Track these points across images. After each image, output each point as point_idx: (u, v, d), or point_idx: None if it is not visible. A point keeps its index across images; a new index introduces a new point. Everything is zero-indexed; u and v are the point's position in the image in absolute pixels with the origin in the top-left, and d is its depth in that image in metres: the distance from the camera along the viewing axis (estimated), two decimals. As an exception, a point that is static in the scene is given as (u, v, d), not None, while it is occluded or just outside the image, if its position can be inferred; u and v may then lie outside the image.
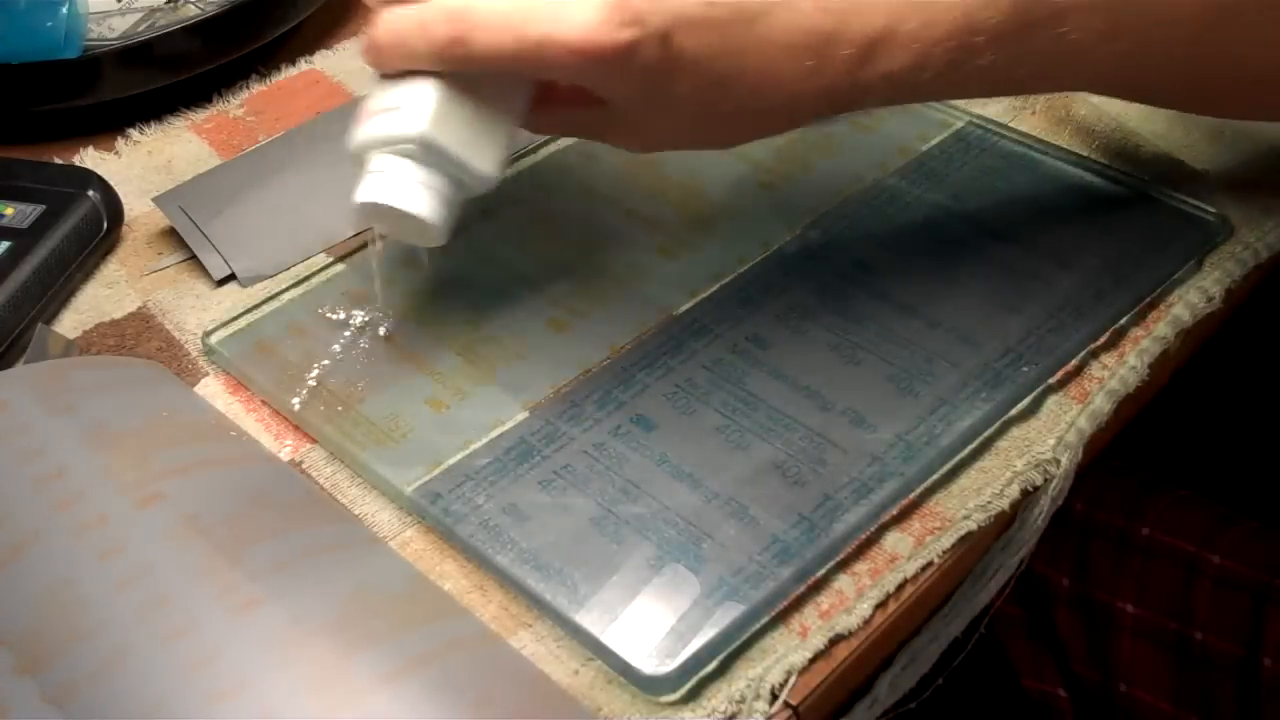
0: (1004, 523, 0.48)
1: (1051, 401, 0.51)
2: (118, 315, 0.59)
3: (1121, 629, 0.69)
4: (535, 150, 0.65)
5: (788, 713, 0.42)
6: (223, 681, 0.37)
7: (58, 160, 0.68)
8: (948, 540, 0.46)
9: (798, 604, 0.44)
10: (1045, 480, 0.49)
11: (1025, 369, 0.51)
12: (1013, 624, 0.73)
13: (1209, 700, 0.66)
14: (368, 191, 0.48)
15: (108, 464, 0.44)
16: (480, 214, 0.62)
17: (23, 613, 0.39)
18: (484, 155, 0.49)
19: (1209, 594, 0.67)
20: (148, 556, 0.41)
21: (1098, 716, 0.70)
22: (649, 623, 0.43)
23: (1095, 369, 0.52)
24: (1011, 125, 0.64)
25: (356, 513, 0.49)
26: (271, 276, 0.60)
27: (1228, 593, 0.66)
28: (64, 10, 0.66)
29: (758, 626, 0.43)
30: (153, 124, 0.71)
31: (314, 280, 0.59)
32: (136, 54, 0.69)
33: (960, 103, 0.66)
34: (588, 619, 0.43)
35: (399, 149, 0.48)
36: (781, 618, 0.44)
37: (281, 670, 0.38)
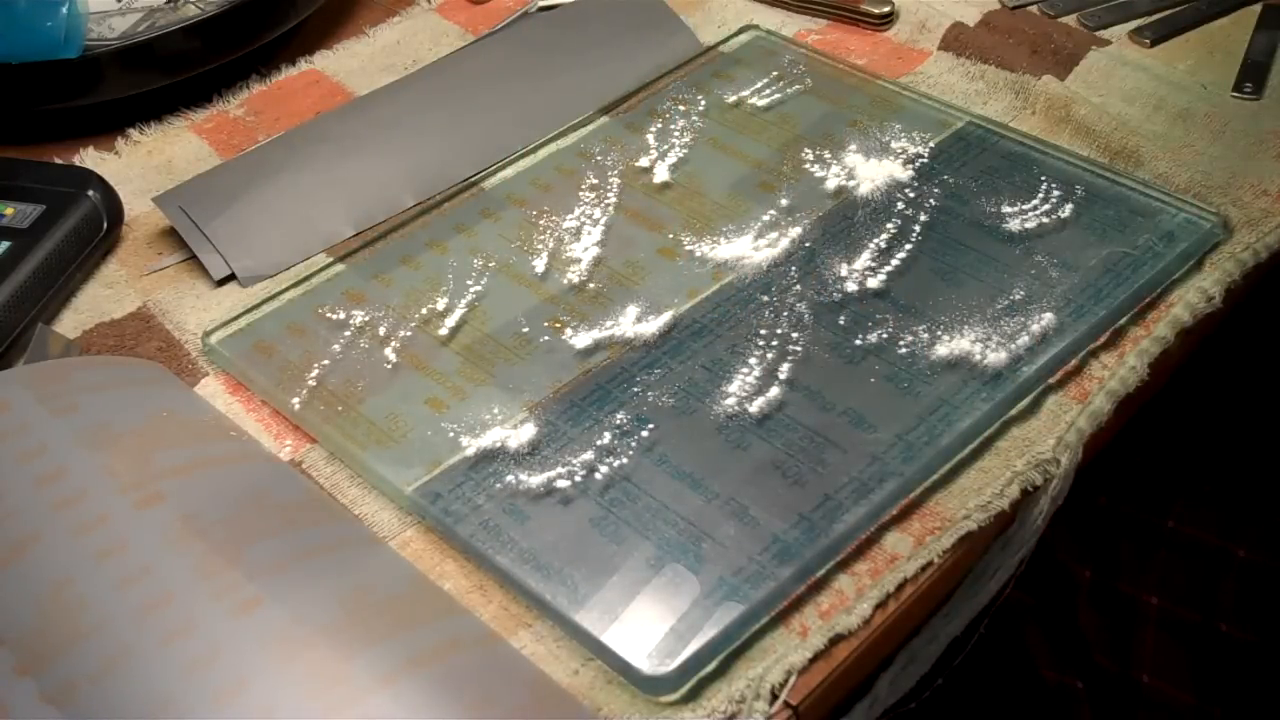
0: (1004, 523, 0.48)
1: (1051, 401, 0.51)
2: (118, 315, 0.59)
3: (1145, 620, 0.69)
4: (535, 150, 0.65)
5: (788, 713, 0.42)
6: (223, 681, 0.37)
7: (58, 160, 0.68)
8: (948, 540, 0.46)
9: (798, 604, 0.44)
10: (1045, 480, 0.48)
11: (1025, 369, 0.51)
12: (1031, 614, 0.73)
13: (1232, 690, 0.66)
14: None
15: (108, 464, 0.44)
16: (480, 214, 0.62)
17: (23, 613, 0.39)
18: None
19: (1235, 586, 0.67)
20: (147, 556, 0.41)
21: (1116, 706, 0.70)
22: (649, 623, 0.43)
23: (1095, 369, 0.52)
24: (1011, 125, 0.64)
25: (356, 513, 0.49)
26: (271, 276, 0.60)
27: (1253, 585, 0.66)
28: (64, 10, 0.66)
29: (758, 626, 0.43)
30: (153, 124, 0.71)
31: (314, 280, 0.59)
32: (136, 54, 0.69)
33: (960, 102, 0.66)
34: (588, 619, 0.43)
35: None
36: (781, 618, 0.44)
37: (281, 670, 0.38)
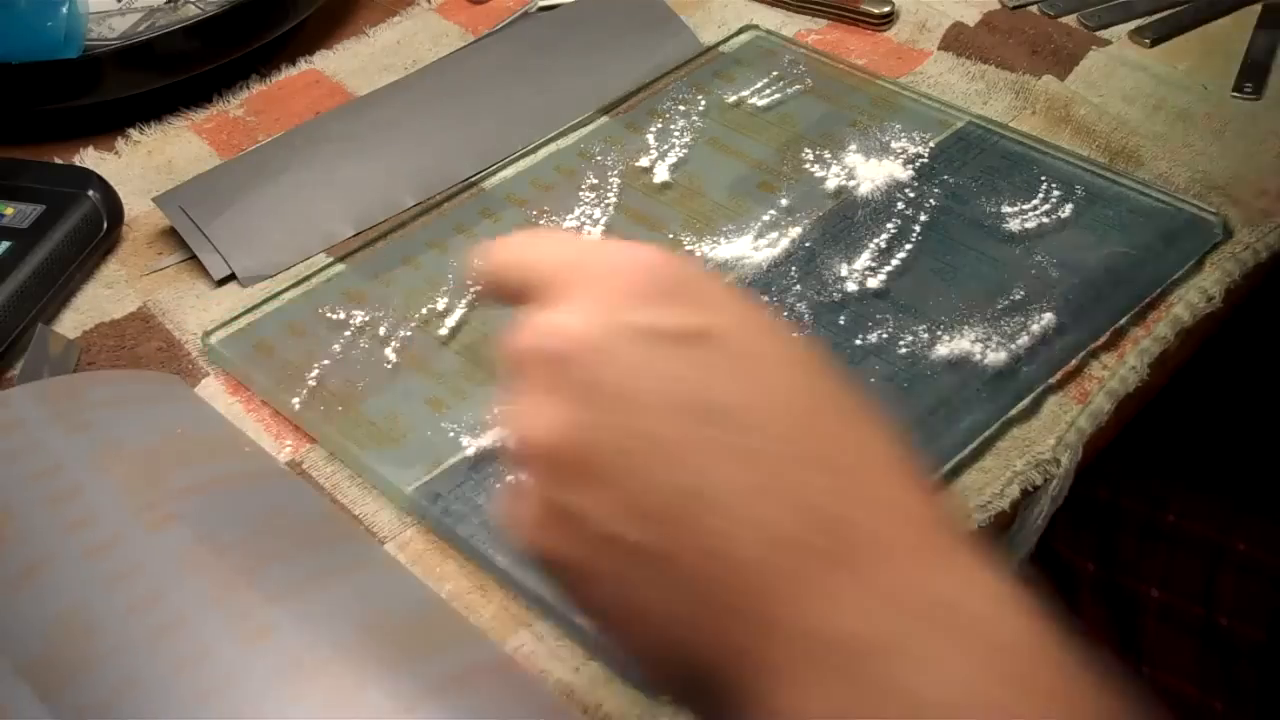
0: (1004, 523, 0.48)
1: (1051, 401, 0.51)
2: (118, 315, 0.59)
3: (1146, 613, 0.69)
4: (535, 150, 0.65)
5: (788, 713, 0.42)
6: (238, 709, 0.37)
7: (58, 160, 0.68)
8: (948, 540, 0.46)
9: (798, 604, 0.44)
10: (1045, 480, 0.48)
11: (1025, 369, 0.51)
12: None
13: (1233, 684, 0.67)
14: None
15: (122, 483, 0.44)
16: (480, 214, 0.62)
17: (35, 639, 0.39)
18: None
19: (1234, 580, 0.67)
20: (159, 581, 0.40)
21: None
22: (649, 623, 0.43)
23: (1095, 369, 0.52)
24: (1011, 125, 0.64)
25: (356, 513, 0.49)
26: (271, 276, 0.60)
27: (1252, 579, 0.67)
28: (64, 10, 0.66)
29: (758, 626, 0.43)
30: (153, 124, 0.70)
31: (314, 280, 0.59)
32: (136, 54, 0.69)
33: (960, 102, 0.66)
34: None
35: None
36: (781, 618, 0.43)
37: (295, 700, 0.37)
